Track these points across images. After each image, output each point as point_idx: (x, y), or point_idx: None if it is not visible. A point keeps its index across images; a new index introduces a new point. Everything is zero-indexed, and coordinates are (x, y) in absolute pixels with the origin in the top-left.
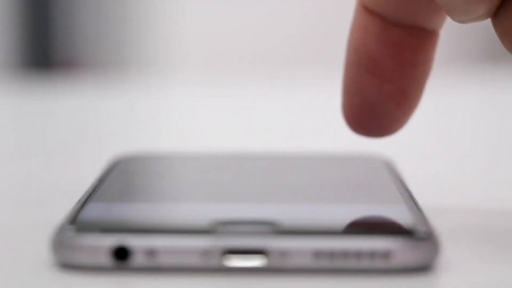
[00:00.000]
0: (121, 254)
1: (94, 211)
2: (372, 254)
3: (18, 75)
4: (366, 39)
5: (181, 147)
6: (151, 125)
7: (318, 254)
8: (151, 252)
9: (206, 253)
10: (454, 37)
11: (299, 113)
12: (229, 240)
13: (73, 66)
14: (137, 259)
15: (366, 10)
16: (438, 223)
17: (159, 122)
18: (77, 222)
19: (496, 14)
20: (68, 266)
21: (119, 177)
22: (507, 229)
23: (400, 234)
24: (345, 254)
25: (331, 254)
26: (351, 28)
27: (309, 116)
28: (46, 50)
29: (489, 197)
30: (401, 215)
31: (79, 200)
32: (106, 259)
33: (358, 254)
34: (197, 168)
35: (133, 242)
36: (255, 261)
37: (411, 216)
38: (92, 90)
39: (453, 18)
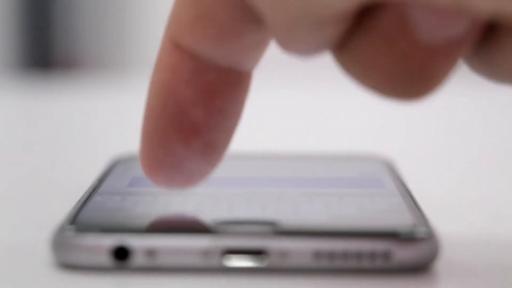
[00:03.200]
0: (121, 254)
1: (94, 211)
2: (372, 254)
3: (18, 75)
4: (174, 83)
5: None
6: None
7: (318, 254)
8: (151, 252)
9: (206, 253)
10: None
11: (299, 113)
12: (229, 240)
13: (73, 66)
14: (137, 259)
15: (176, 47)
16: (438, 223)
17: None
18: (77, 222)
19: (340, 47)
20: (68, 266)
21: (119, 177)
22: (507, 229)
23: (400, 234)
24: (345, 254)
25: (331, 254)
26: (155, 69)
27: (309, 116)
28: (46, 50)
29: (490, 197)
30: (401, 215)
31: (79, 200)
32: (106, 259)
33: (358, 254)
34: None
35: (133, 242)
36: (255, 261)
37: (411, 216)
38: (92, 90)
39: (290, 50)
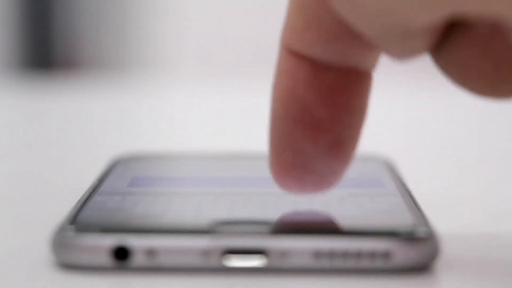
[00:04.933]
0: (121, 254)
1: (94, 211)
2: (372, 254)
3: (18, 75)
4: (294, 86)
5: (181, 147)
6: (150, 125)
7: (318, 254)
8: (151, 252)
9: (206, 253)
10: None
11: None
12: (229, 240)
13: (73, 66)
14: (137, 259)
15: (293, 54)
16: (438, 223)
17: (158, 122)
18: (77, 222)
19: (436, 49)
20: (68, 266)
21: (119, 177)
22: (507, 229)
23: (400, 234)
24: (345, 254)
25: (331, 254)
26: (276, 77)
27: None
28: (46, 50)
29: (490, 197)
30: (401, 215)
31: (79, 200)
32: (106, 259)
33: (358, 254)
34: (197, 168)
35: (133, 242)
36: (255, 261)
37: (411, 216)
38: (92, 90)
39: (391, 55)
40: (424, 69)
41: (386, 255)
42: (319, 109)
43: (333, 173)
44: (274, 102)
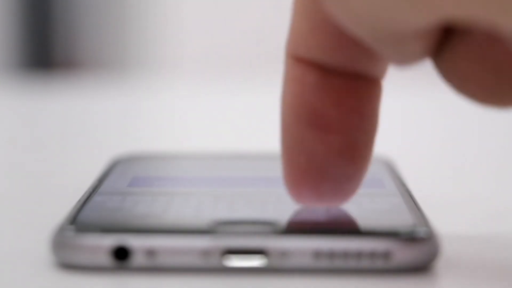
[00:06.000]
0: (121, 254)
1: (94, 211)
2: (372, 254)
3: (18, 75)
4: (303, 92)
5: (181, 147)
6: (150, 125)
7: (318, 254)
8: (151, 252)
9: (206, 253)
10: None
11: None
12: (229, 240)
13: (73, 66)
14: (137, 259)
15: (299, 61)
16: (438, 223)
17: (158, 122)
18: (77, 222)
19: (437, 53)
20: (68, 266)
21: (119, 177)
22: (507, 229)
23: (400, 234)
24: (345, 254)
25: (331, 254)
26: (284, 84)
27: None
28: (46, 50)
29: (490, 197)
30: (401, 215)
31: (79, 200)
32: (106, 259)
33: (358, 254)
34: (197, 168)
35: (133, 242)
36: (255, 261)
37: (411, 216)
38: (92, 90)
39: (391, 62)
40: (424, 69)
41: (386, 255)
42: (330, 111)
43: (348, 180)
44: (284, 108)
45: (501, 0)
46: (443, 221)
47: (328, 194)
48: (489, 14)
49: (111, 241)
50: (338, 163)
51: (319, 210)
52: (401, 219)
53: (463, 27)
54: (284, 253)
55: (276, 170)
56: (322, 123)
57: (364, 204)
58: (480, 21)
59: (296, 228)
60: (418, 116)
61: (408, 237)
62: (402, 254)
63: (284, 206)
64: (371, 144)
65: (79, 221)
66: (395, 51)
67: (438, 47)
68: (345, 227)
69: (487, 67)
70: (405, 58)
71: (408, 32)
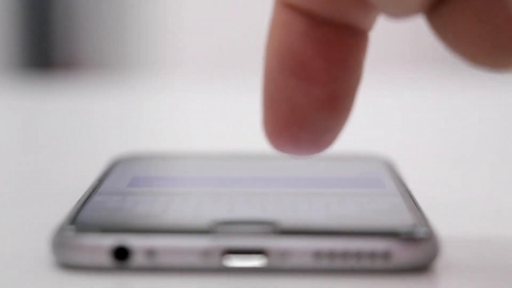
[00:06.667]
0: (121, 254)
1: (94, 211)
2: (372, 254)
3: (18, 75)
4: (290, 39)
5: (181, 147)
6: (150, 125)
7: (318, 254)
8: (151, 252)
9: (206, 253)
10: None
11: None
12: (229, 240)
13: (73, 66)
14: (137, 259)
15: (288, 7)
16: (438, 223)
17: (158, 122)
18: (77, 222)
19: (433, 10)
20: (68, 266)
21: (119, 177)
22: (507, 229)
23: (400, 234)
24: (345, 254)
25: (331, 254)
26: (271, 30)
27: None
28: (46, 50)
29: (489, 197)
30: (401, 215)
31: (79, 200)
32: (106, 259)
33: (358, 254)
34: (197, 168)
35: (133, 242)
36: (255, 261)
37: (411, 216)
38: (92, 90)
39: (385, 13)
40: (424, 69)
41: (386, 255)
42: (315, 62)
43: (327, 131)
44: (269, 54)
45: None
46: (443, 221)
47: (306, 144)
48: None
49: (111, 241)
50: (319, 114)
51: (319, 210)
52: (401, 219)
53: None
54: (284, 253)
55: (276, 170)
56: (306, 73)
57: (364, 204)
58: None
59: (296, 228)
60: (418, 116)
61: (408, 237)
62: (402, 254)
63: (284, 206)
64: (353, 97)
65: (79, 221)
66: (393, 3)
67: (436, 2)
68: (345, 227)
69: (484, 28)
70: (401, 11)
71: None
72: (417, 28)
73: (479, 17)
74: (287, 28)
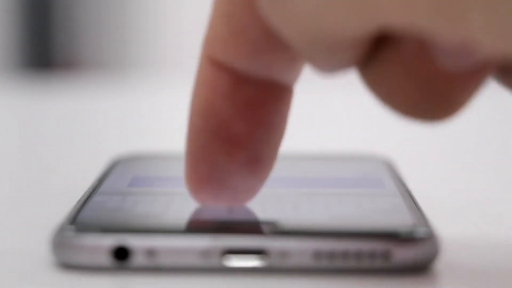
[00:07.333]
0: (121, 254)
1: (94, 211)
2: (372, 254)
3: (18, 75)
4: (213, 98)
5: (181, 147)
6: (150, 125)
7: (318, 254)
8: (151, 252)
9: (206, 253)
10: None
11: (298, 113)
12: (229, 240)
13: (73, 66)
14: (137, 259)
15: (213, 63)
16: (438, 223)
17: (158, 122)
18: (77, 222)
19: (364, 64)
20: (68, 266)
21: (119, 177)
22: (507, 229)
23: (400, 234)
24: (345, 254)
25: (331, 254)
26: (195, 87)
27: (308, 116)
28: (46, 50)
29: (490, 198)
30: (401, 215)
31: (79, 200)
32: (106, 259)
33: (358, 254)
34: None
35: (133, 242)
36: (255, 261)
37: (411, 216)
38: (92, 90)
39: (315, 66)
40: None
41: (386, 255)
42: (237, 124)
43: (247, 189)
44: (192, 113)
45: (435, 6)
46: (443, 221)
47: (227, 199)
48: (421, 21)
49: (111, 241)
50: (239, 174)
51: (319, 210)
52: (401, 219)
53: (396, 36)
54: (284, 253)
55: (276, 170)
56: (229, 135)
57: (364, 204)
58: (412, 29)
59: (296, 228)
60: None
61: (408, 237)
62: (402, 254)
63: (284, 206)
64: (274, 157)
65: (79, 221)
66: (325, 58)
67: (367, 57)
68: (345, 227)
69: (414, 81)
70: (333, 66)
71: (344, 38)
72: None
73: (407, 70)
74: (211, 86)
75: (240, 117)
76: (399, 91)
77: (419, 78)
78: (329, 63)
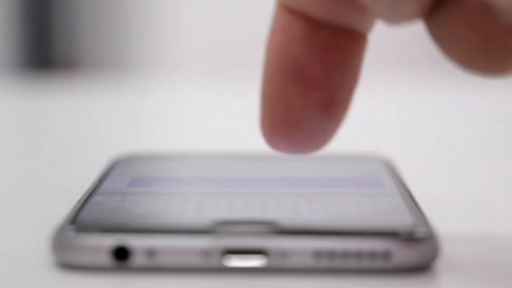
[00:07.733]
0: (121, 254)
1: (94, 211)
2: (372, 254)
3: (18, 75)
4: (289, 42)
5: (181, 147)
6: (151, 125)
7: (318, 254)
8: (151, 252)
9: (206, 253)
10: None
11: None
12: (229, 240)
13: (73, 66)
14: (137, 259)
15: (288, 10)
16: (438, 223)
17: (158, 122)
18: (77, 222)
19: (429, 15)
20: (68, 266)
21: (119, 177)
22: (507, 229)
23: (400, 234)
24: (345, 254)
25: (331, 254)
26: (271, 32)
27: None
28: (46, 50)
29: (489, 197)
30: (401, 215)
31: (79, 200)
32: (106, 259)
33: (358, 254)
34: (197, 168)
35: (133, 242)
36: (255, 261)
37: (411, 216)
38: (92, 90)
39: (382, 18)
40: (425, 69)
41: (386, 255)
42: (313, 66)
43: (323, 133)
44: (268, 57)
45: None
46: (443, 221)
47: (301, 144)
48: None
49: (111, 241)
50: (315, 117)
51: (319, 210)
52: (401, 219)
53: None
54: (284, 253)
55: (276, 170)
56: (304, 77)
57: (364, 204)
58: None
59: (296, 228)
60: (418, 116)
61: (408, 237)
62: (402, 254)
63: (284, 206)
64: (350, 100)
65: (79, 221)
66: (391, 9)
67: (432, 9)
68: (345, 227)
69: (476, 34)
70: (399, 17)
71: None
72: (419, 28)
73: (471, 23)
74: (287, 31)
75: (315, 60)
76: (462, 42)
77: (482, 30)
78: (394, 15)
